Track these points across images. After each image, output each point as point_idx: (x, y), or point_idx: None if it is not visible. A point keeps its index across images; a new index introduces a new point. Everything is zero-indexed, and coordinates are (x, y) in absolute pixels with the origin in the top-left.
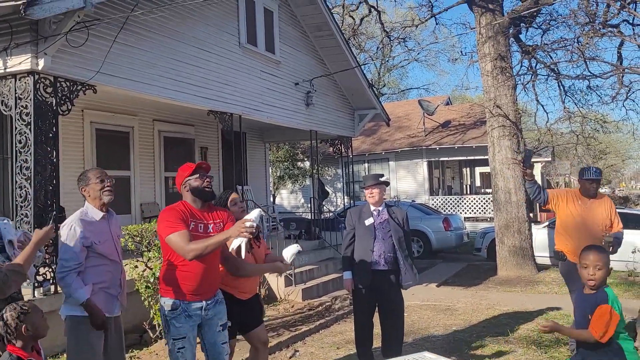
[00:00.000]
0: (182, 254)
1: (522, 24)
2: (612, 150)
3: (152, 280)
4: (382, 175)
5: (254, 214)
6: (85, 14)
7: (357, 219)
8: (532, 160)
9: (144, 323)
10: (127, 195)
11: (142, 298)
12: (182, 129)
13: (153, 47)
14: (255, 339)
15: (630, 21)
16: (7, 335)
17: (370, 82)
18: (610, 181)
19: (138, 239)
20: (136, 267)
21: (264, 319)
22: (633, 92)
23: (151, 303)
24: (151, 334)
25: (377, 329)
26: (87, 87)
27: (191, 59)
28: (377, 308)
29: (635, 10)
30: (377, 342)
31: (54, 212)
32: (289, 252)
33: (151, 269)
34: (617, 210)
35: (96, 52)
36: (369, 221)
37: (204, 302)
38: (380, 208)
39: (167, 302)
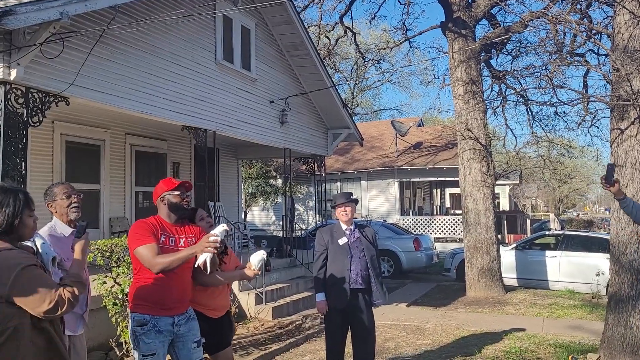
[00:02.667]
0: (148, 266)
1: (493, 50)
2: (576, 174)
3: (120, 296)
4: (351, 194)
5: (219, 229)
6: (61, 26)
7: (329, 238)
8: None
9: (110, 340)
10: (96, 209)
11: (110, 315)
12: (155, 144)
13: (128, 60)
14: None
15: (596, 51)
16: None
17: (344, 101)
18: (575, 205)
19: (107, 254)
20: (104, 282)
21: (234, 338)
22: (598, 120)
23: (118, 320)
24: (117, 352)
25: (347, 349)
26: (59, 98)
27: (166, 74)
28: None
29: (600, 40)
30: None
31: None
32: (256, 258)
33: (120, 285)
34: (581, 234)
35: (70, 64)
36: (342, 240)
37: (174, 318)
38: (351, 227)
39: (136, 317)
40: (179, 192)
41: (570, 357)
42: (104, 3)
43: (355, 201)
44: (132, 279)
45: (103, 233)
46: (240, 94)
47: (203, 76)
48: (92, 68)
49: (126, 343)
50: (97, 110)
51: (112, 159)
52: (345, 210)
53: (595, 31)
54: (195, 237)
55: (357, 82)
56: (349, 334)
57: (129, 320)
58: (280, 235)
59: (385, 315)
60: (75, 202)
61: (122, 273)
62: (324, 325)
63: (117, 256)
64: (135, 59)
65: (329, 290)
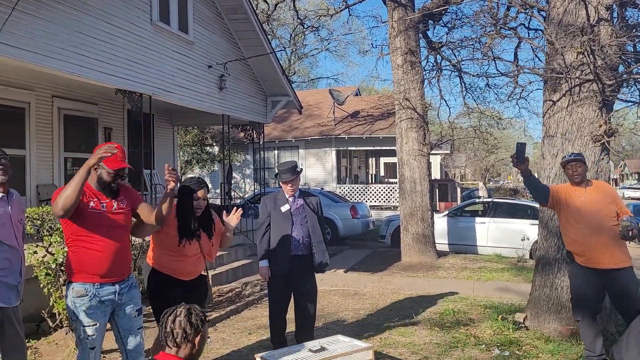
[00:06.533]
0: (54, 211)
1: (430, 21)
2: (502, 145)
3: (53, 266)
4: (296, 166)
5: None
6: None
7: (272, 206)
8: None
9: (42, 311)
10: (22, 175)
11: (41, 285)
12: (85, 107)
13: (56, 17)
14: None
15: (527, 25)
16: (184, 335)
17: (283, 69)
18: (500, 174)
19: (38, 222)
20: (35, 252)
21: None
22: (528, 93)
23: (51, 290)
24: (50, 323)
25: (289, 315)
26: None
27: (98, 33)
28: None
29: (532, 13)
30: (289, 327)
31: None
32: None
33: (52, 255)
34: (508, 201)
35: None
36: (285, 207)
37: (117, 286)
38: (295, 194)
39: (76, 287)
40: (116, 173)
41: (499, 316)
42: None
43: (300, 172)
44: (65, 248)
45: (30, 201)
46: (177, 57)
47: (138, 37)
48: (15, 24)
49: (59, 314)
50: (21, 70)
51: (38, 123)
52: (293, 187)
53: (528, 5)
54: (127, 201)
55: (294, 49)
56: (292, 299)
57: (68, 291)
58: (218, 203)
59: (324, 281)
60: (1, 166)
61: (55, 242)
62: (264, 291)
63: (48, 224)
64: (64, 15)
65: (271, 256)
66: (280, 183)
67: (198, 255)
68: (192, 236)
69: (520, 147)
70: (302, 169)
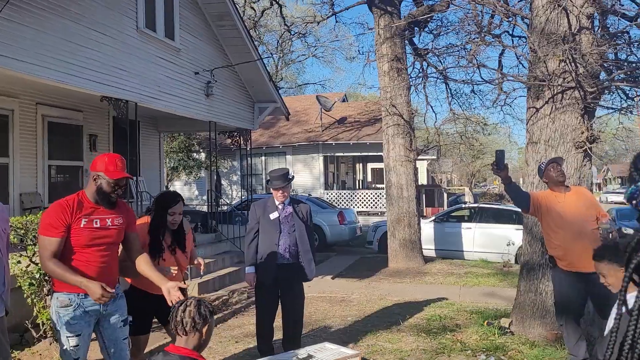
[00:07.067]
0: (40, 259)
1: (416, 28)
2: (488, 150)
3: (37, 276)
4: (287, 173)
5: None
6: None
7: (261, 213)
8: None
9: (26, 322)
10: (5, 184)
11: (25, 295)
12: (69, 115)
13: (41, 24)
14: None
15: (510, 32)
16: (192, 324)
17: (270, 75)
18: (486, 179)
19: (22, 231)
20: (19, 262)
21: None
22: (512, 100)
23: (34, 300)
24: (34, 333)
25: (276, 322)
26: None
27: (83, 40)
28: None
29: (515, 21)
30: (276, 335)
31: None
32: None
33: (36, 264)
34: (493, 206)
35: None
36: (273, 215)
37: None
38: (285, 202)
39: (60, 297)
40: (115, 183)
41: (485, 322)
42: None
43: (292, 179)
44: None
45: (13, 210)
46: (163, 64)
47: (123, 44)
48: (0, 32)
49: (43, 324)
50: (5, 77)
51: (22, 131)
52: (284, 194)
53: (511, 13)
54: (122, 217)
55: (281, 55)
56: (279, 307)
57: (52, 301)
58: (204, 210)
59: (311, 288)
60: None
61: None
62: (251, 299)
63: (32, 234)
64: (50, 22)
65: (258, 264)
66: (271, 190)
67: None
68: (161, 252)
69: (500, 154)
70: (293, 176)
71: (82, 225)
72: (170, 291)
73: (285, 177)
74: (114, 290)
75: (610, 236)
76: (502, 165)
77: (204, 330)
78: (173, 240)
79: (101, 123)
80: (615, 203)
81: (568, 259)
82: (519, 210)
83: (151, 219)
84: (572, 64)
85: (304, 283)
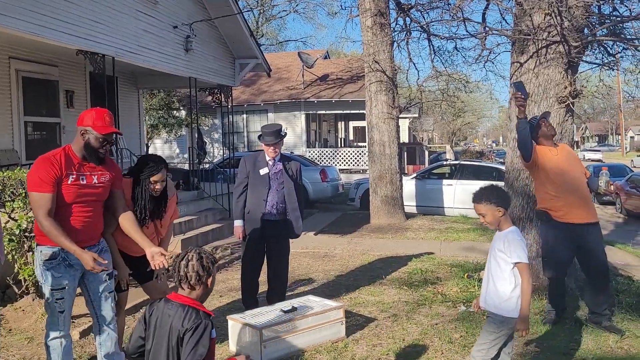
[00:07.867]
0: (35, 216)
1: None
2: (469, 108)
3: (17, 232)
4: (281, 129)
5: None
6: None
7: (252, 167)
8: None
9: (7, 278)
10: None
11: (5, 252)
12: (45, 70)
13: None
14: (153, 289)
15: None
16: (197, 278)
17: (251, 30)
18: (467, 137)
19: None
20: None
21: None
22: (495, 56)
23: (16, 257)
24: (16, 290)
25: (261, 277)
26: None
27: None
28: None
29: None
30: (261, 289)
31: None
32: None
33: (16, 221)
34: (474, 163)
35: None
36: (263, 171)
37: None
38: (275, 158)
39: (44, 250)
40: (104, 139)
41: (466, 275)
42: None
43: (284, 136)
44: (29, 213)
45: None
46: (141, 17)
47: None
48: None
49: (25, 281)
50: None
51: None
52: (276, 151)
53: None
54: (109, 174)
55: (262, 10)
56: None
57: (36, 254)
58: (186, 168)
59: (294, 244)
60: None
61: (18, 208)
62: (235, 255)
63: (10, 190)
64: None
65: (245, 218)
66: (263, 145)
67: (153, 235)
68: (147, 221)
69: (520, 84)
70: (286, 133)
71: (69, 182)
72: (154, 256)
73: (277, 134)
74: (106, 262)
75: (612, 188)
76: (526, 94)
77: (209, 281)
78: (155, 208)
79: (78, 79)
80: (593, 160)
81: (564, 209)
82: (500, 167)
83: (133, 184)
84: (558, 17)
85: (290, 239)
